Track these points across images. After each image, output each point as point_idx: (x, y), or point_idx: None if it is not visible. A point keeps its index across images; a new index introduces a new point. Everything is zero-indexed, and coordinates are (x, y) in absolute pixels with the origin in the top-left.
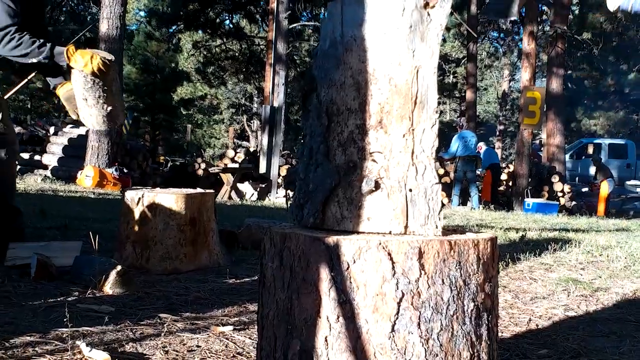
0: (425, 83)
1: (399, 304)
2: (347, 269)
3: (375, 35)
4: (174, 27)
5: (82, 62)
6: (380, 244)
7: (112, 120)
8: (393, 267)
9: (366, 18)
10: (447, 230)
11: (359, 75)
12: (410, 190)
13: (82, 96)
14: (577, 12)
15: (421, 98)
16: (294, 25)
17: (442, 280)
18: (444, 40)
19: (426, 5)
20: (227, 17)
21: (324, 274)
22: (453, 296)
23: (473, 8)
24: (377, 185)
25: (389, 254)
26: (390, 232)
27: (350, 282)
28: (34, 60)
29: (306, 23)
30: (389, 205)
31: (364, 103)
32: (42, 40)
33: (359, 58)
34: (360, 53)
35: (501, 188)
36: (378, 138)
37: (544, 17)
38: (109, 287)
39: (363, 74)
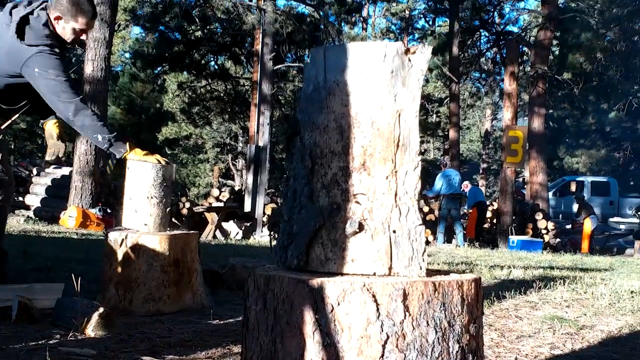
0: (408, 126)
1: (383, 346)
2: (332, 311)
3: (358, 80)
4: (159, 69)
5: (142, 152)
6: (364, 285)
7: (167, 221)
8: (377, 309)
9: (348, 64)
10: (431, 271)
11: (342, 119)
12: (394, 231)
13: (147, 194)
14: (557, 52)
15: (403, 141)
16: (279, 66)
17: (427, 321)
18: (427, 81)
19: (407, 51)
20: (212, 59)
21: (308, 317)
22: (438, 338)
23: (455, 50)
24: (361, 227)
25: (374, 296)
26: (374, 274)
27: (335, 325)
28: (98, 135)
29: (291, 64)
30: (373, 246)
31: (347, 146)
32: (107, 123)
33: (341, 102)
34: (343, 97)
35: (486, 225)
36: (361, 180)
37: (525, 58)
38: (91, 329)
39: (346, 117)
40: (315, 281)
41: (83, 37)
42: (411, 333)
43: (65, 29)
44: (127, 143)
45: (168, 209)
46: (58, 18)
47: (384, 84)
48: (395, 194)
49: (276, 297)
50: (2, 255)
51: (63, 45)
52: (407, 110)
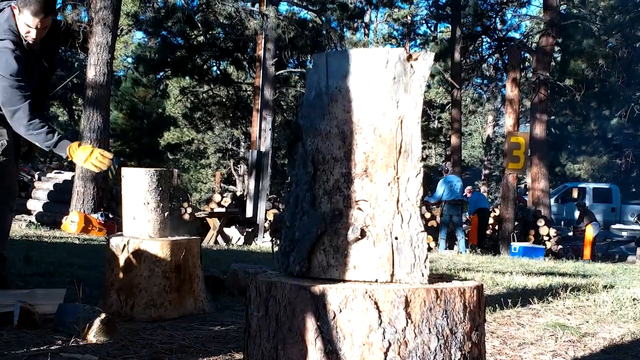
0: (410, 133)
1: (385, 353)
2: (334, 318)
3: (360, 86)
4: (161, 74)
5: (83, 157)
6: (366, 292)
7: (167, 227)
8: (379, 316)
9: (351, 70)
10: (433, 278)
11: (344, 125)
12: (396, 238)
13: (143, 200)
14: (559, 59)
15: (405, 147)
16: (281, 71)
17: (429, 329)
18: (429, 87)
19: (409, 58)
20: (214, 64)
21: (310, 324)
22: (440, 345)
23: (457, 56)
24: (363, 234)
25: (376, 303)
26: (376, 281)
27: (337, 332)
28: (37, 144)
29: (293, 70)
30: (375, 253)
31: (349, 152)
32: (51, 127)
33: (343, 108)
34: (345, 103)
35: (488, 232)
36: (364, 186)
37: (527, 64)
38: (93, 335)
39: (348, 123)
40: (317, 288)
41: (32, 35)
42: (413, 340)
43: (19, 21)
44: (69, 147)
45: (166, 214)
46: (14, 7)
47: (386, 90)
48: (397, 201)
49: (278, 303)
50: (0, 260)
51: (28, 44)
52: (409, 116)
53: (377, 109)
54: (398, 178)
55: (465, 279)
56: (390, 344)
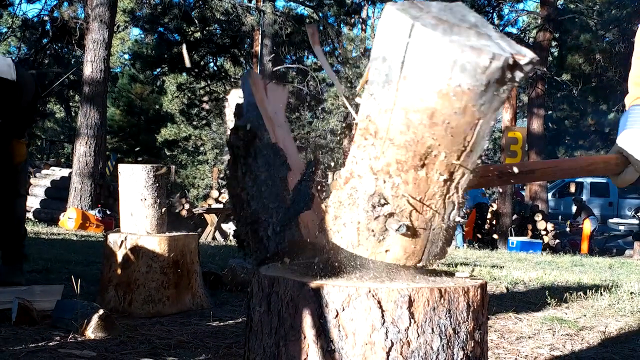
0: (480, 133)
1: (388, 353)
2: (336, 316)
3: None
4: (158, 70)
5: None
6: (369, 291)
7: (164, 223)
8: (382, 316)
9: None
10: (436, 273)
11: (414, 115)
12: (433, 229)
13: (140, 196)
14: (556, 54)
15: (471, 147)
16: (278, 67)
17: (432, 329)
18: None
19: (514, 66)
20: (211, 60)
21: (313, 321)
22: (443, 345)
23: None
24: (407, 228)
25: (379, 302)
26: (404, 265)
27: (339, 331)
28: None
29: (290, 66)
30: (411, 242)
31: (412, 142)
32: None
33: (419, 97)
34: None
35: (486, 226)
36: (416, 178)
37: None
38: (91, 331)
39: (419, 114)
40: (320, 285)
41: None
42: (416, 340)
43: None
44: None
45: (164, 210)
46: None
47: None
48: (446, 197)
49: (281, 299)
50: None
51: None
52: (485, 118)
53: (455, 105)
54: (452, 174)
55: (472, 276)
56: (392, 344)
